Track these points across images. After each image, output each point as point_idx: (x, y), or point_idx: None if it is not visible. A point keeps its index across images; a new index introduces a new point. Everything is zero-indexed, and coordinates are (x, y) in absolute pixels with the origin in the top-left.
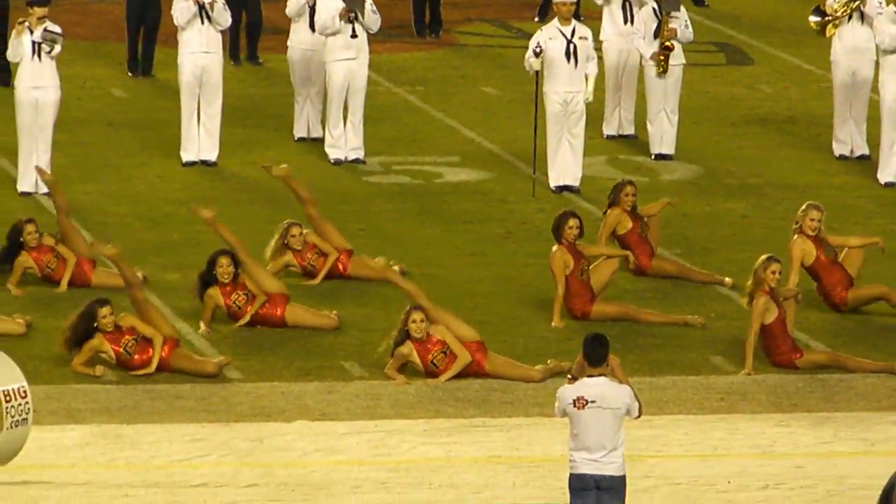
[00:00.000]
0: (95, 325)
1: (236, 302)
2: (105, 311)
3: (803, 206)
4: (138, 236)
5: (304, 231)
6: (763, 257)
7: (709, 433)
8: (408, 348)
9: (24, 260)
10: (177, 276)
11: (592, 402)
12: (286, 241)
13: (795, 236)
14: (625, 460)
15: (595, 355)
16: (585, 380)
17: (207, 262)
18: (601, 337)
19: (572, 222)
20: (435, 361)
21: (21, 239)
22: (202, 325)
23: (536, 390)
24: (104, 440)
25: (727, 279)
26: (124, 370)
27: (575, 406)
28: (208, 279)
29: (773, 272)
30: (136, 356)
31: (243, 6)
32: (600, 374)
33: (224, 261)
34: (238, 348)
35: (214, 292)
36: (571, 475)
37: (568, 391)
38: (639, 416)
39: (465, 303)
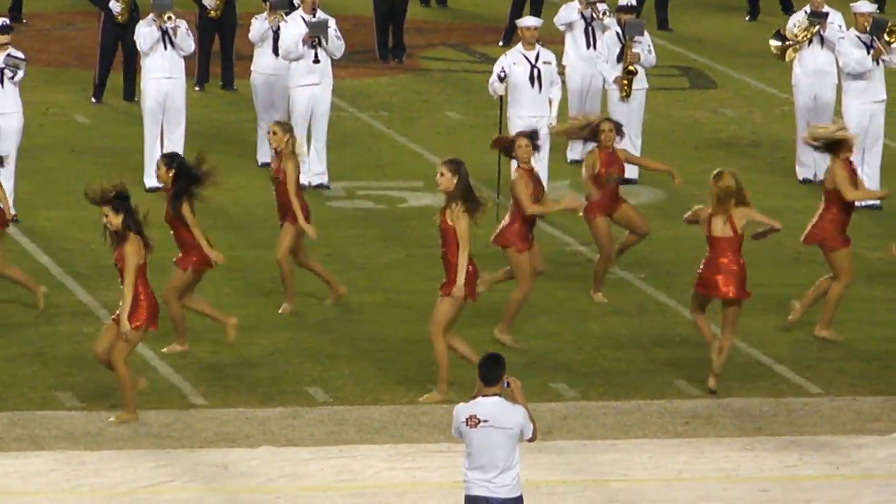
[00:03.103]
0: None
1: None
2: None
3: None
4: (101, 262)
5: None
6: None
7: (673, 457)
8: None
9: None
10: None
11: (485, 421)
12: None
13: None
14: (520, 481)
15: (489, 374)
16: (480, 399)
17: None
18: (497, 356)
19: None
20: None
21: None
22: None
23: None
24: (68, 467)
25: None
26: None
27: (468, 424)
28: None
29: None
30: None
31: (217, 31)
32: (495, 395)
33: None
34: (202, 374)
35: None
36: (466, 496)
37: (462, 410)
38: (533, 439)
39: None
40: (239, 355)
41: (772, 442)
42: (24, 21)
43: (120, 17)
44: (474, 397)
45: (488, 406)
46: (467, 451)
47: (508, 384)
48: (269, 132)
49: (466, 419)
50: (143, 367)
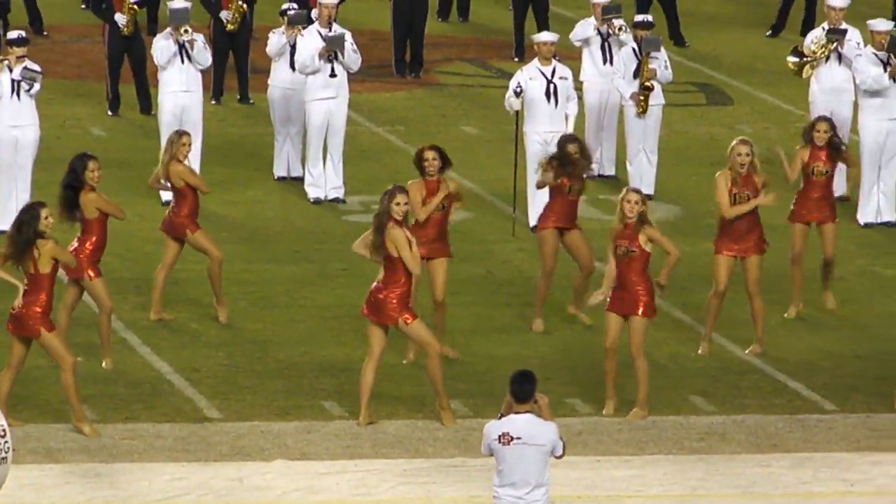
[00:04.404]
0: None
1: None
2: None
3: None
4: (118, 275)
5: None
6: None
7: (688, 473)
8: None
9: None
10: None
11: (518, 438)
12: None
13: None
14: (549, 498)
15: (521, 392)
16: (511, 416)
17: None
18: (528, 373)
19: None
20: None
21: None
22: None
23: None
24: (83, 479)
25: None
26: None
27: (500, 442)
28: None
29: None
30: None
31: (230, 46)
32: (527, 412)
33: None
34: (218, 387)
35: None
36: None
37: (494, 427)
38: (562, 456)
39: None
40: (254, 369)
41: (786, 458)
42: (45, 34)
43: (126, 30)
44: (503, 414)
45: (521, 423)
46: (498, 469)
47: (536, 401)
48: (185, 143)
49: (499, 437)
50: (158, 380)
